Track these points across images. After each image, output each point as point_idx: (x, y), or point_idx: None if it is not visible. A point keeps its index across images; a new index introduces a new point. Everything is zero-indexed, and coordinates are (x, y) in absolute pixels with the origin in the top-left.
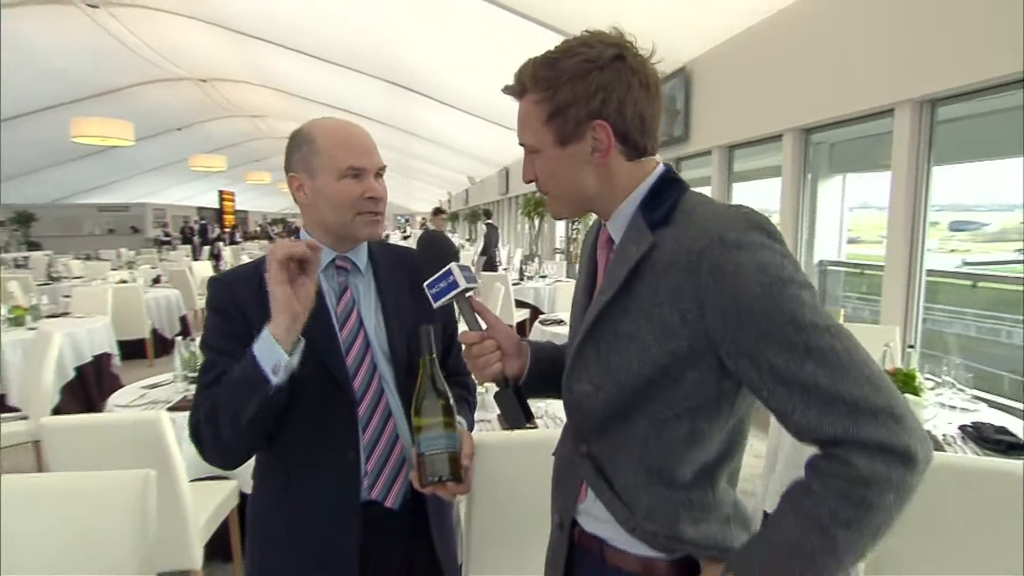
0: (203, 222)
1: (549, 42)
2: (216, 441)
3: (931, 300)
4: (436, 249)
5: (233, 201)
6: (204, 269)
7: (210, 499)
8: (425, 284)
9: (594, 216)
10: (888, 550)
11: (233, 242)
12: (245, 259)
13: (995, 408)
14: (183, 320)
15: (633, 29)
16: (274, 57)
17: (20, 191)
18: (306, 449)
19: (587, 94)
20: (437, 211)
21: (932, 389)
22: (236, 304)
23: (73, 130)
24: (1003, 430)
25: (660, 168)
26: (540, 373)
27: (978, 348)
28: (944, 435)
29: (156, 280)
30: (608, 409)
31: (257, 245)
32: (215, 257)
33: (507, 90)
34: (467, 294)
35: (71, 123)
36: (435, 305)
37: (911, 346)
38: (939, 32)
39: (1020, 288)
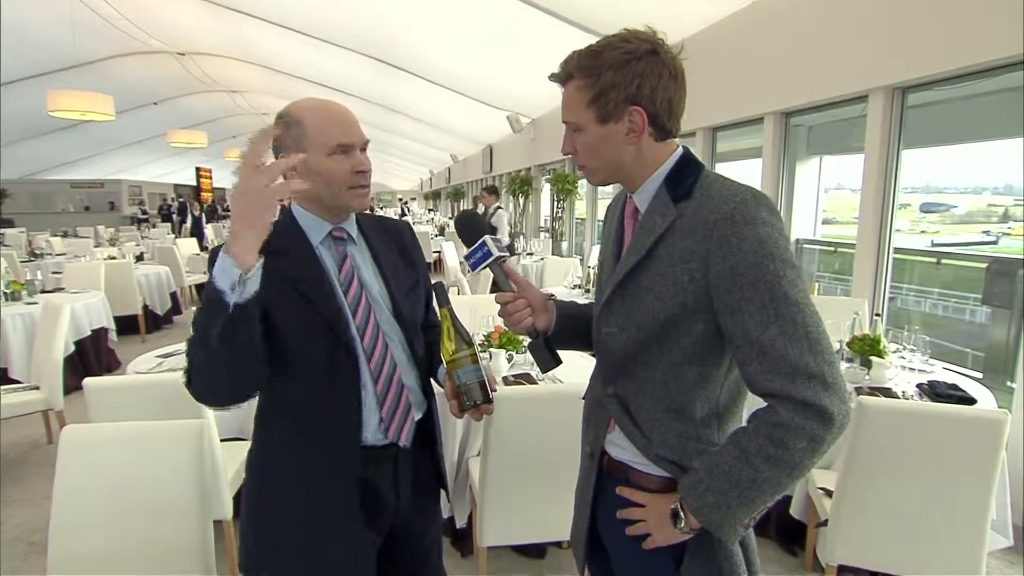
0: (181, 200)
1: (535, 20)
2: (191, 364)
3: (901, 280)
4: (473, 225)
5: (211, 178)
6: (190, 246)
7: (233, 458)
8: (463, 256)
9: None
10: (875, 484)
11: (211, 220)
12: None
13: (947, 369)
14: (173, 296)
15: (620, 14)
16: (255, 31)
17: None
18: (313, 403)
19: (625, 81)
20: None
21: (895, 352)
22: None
23: (50, 104)
24: (954, 386)
25: (680, 149)
26: (565, 326)
27: (945, 326)
28: (904, 392)
29: (139, 257)
30: (630, 348)
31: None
32: (198, 234)
33: (553, 77)
34: (499, 261)
35: (48, 96)
36: (473, 272)
37: (878, 314)
38: (910, 23)
39: (984, 267)
